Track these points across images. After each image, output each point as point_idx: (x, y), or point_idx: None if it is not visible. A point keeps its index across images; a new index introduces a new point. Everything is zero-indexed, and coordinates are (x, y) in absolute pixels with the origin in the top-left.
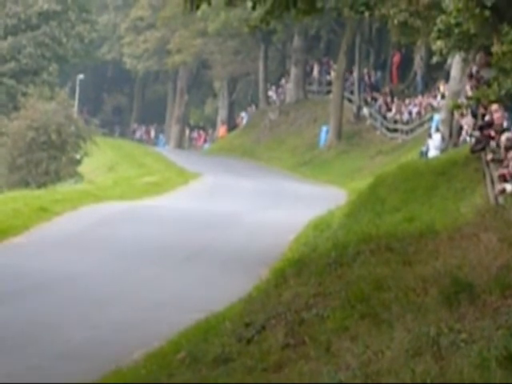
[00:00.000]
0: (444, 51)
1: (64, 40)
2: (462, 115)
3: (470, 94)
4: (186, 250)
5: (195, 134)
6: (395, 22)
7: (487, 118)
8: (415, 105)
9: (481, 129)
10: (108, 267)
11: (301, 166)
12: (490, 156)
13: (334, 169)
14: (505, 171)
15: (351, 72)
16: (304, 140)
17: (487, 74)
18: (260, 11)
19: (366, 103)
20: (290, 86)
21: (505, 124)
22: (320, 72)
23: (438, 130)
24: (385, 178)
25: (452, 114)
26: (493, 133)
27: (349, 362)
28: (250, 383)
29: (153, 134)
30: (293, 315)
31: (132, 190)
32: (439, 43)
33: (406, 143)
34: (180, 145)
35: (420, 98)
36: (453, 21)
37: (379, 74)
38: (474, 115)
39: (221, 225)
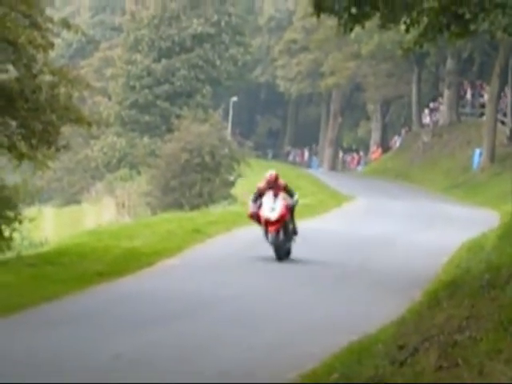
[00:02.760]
0: None
1: (217, 62)
2: None
3: None
4: (339, 271)
5: (348, 157)
6: None
7: None
8: None
9: None
10: (261, 289)
11: (454, 189)
12: None
13: (487, 191)
14: None
15: (504, 94)
16: (457, 162)
17: None
18: (413, 34)
19: None
20: (443, 109)
21: None
22: (473, 94)
23: None
24: None
25: None
26: None
27: None
28: None
29: (306, 156)
30: (446, 337)
31: None
32: None
33: None
34: (333, 167)
35: None
36: None
37: None
38: None
39: (373, 247)
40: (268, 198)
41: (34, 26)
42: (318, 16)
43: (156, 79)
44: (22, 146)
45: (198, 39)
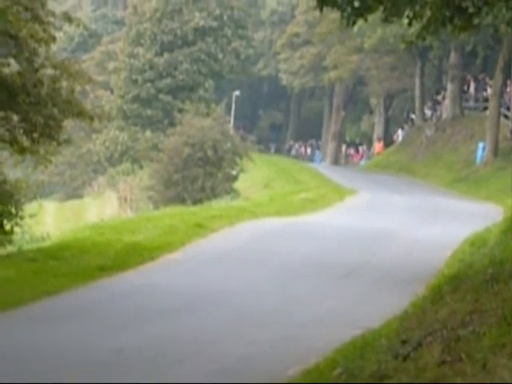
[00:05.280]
0: None
1: (220, 56)
2: None
3: None
4: (342, 266)
5: (351, 151)
6: None
7: None
8: None
9: None
10: (264, 283)
11: (457, 183)
12: None
13: (491, 185)
14: None
15: (508, 88)
16: (460, 156)
17: None
18: (416, 27)
19: None
20: (446, 103)
21: None
22: (476, 88)
23: None
24: None
25: None
26: None
27: (505, 379)
28: None
29: (309, 150)
30: (449, 332)
31: (288, 207)
32: None
33: None
34: (336, 161)
35: None
36: None
37: None
38: None
39: (377, 241)
40: None
41: (36, 19)
42: (321, 9)
43: (158, 73)
44: (24, 140)
45: (201, 33)
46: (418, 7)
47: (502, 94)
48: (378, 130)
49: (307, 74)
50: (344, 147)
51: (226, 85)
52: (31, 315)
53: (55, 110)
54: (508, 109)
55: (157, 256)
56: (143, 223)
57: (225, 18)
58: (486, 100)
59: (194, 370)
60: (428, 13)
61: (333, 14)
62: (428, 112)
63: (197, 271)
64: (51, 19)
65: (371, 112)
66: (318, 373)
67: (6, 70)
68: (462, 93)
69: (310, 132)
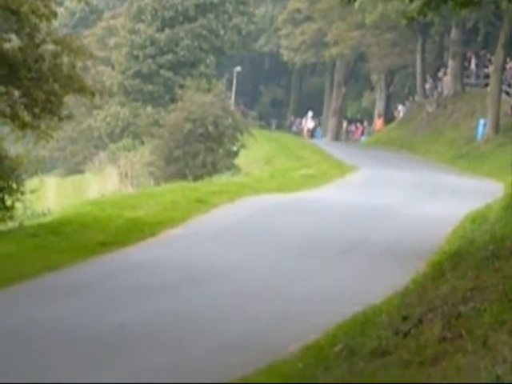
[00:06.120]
0: None
1: (221, 32)
2: None
3: None
4: (343, 242)
5: (352, 127)
6: None
7: None
8: None
9: None
10: (264, 259)
11: (458, 159)
12: None
13: (492, 162)
14: None
15: (509, 65)
16: (461, 133)
17: None
18: (417, 3)
19: None
20: (447, 79)
21: None
22: (477, 65)
23: None
24: None
25: None
26: None
27: (506, 356)
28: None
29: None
30: (450, 309)
31: (289, 183)
32: None
33: None
34: (337, 137)
35: None
36: None
37: None
38: None
39: (377, 217)
40: None
41: None
42: None
43: (159, 49)
44: (25, 116)
45: (202, 8)
46: None
47: (503, 70)
48: (379, 106)
49: (308, 50)
50: (345, 123)
51: (227, 61)
52: (32, 290)
53: (56, 86)
54: (509, 85)
55: (158, 231)
56: (144, 199)
57: None
58: (487, 76)
59: (194, 345)
60: None
61: None
62: (429, 88)
63: (198, 247)
64: None
65: (372, 88)
66: (319, 349)
67: (8, 46)
68: (463, 69)
69: (311, 108)
